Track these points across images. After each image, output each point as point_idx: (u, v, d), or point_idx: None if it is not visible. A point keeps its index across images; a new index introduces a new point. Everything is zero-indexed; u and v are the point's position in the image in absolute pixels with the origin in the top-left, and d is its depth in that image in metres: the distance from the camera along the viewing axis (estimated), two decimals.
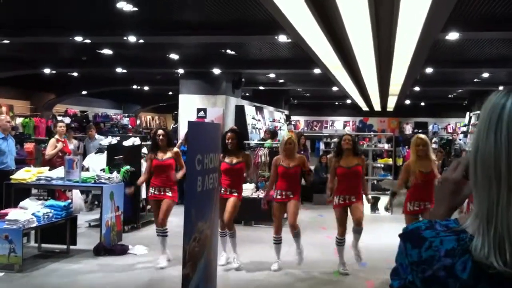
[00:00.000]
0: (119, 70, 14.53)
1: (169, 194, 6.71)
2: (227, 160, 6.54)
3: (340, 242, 6.74)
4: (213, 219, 4.33)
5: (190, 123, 3.95)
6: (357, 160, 6.69)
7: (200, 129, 4.35)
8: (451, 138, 21.00)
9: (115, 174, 8.23)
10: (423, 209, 6.21)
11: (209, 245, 4.16)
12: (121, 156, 9.03)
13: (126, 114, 22.81)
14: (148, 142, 10.81)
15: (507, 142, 1.00)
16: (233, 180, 6.64)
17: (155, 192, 6.77)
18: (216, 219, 4.69)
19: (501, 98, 1.04)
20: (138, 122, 23.81)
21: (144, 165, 9.87)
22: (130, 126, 21.00)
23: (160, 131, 7.02)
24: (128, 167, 8.78)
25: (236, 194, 6.66)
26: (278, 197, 6.70)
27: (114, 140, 10.05)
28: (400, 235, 1.17)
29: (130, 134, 13.24)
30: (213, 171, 4.20)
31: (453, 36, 8.41)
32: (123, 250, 7.28)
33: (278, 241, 6.75)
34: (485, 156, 1.02)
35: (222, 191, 6.47)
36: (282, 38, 9.13)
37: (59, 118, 16.58)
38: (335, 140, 16.34)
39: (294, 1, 5.56)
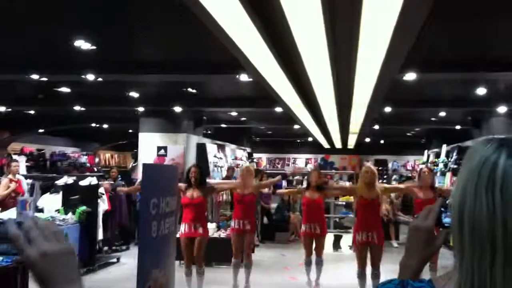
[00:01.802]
0: (77, 108, 14.24)
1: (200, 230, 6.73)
2: (188, 194, 6.64)
3: (308, 263, 7.59)
4: (169, 267, 4.13)
5: (144, 166, 3.80)
6: (319, 194, 7.52)
7: (155, 171, 4.19)
8: (410, 175, 21.32)
9: (70, 215, 7.93)
10: (371, 241, 6.58)
11: None
12: (77, 196, 8.73)
13: (84, 152, 22.31)
14: (106, 182, 10.54)
15: (502, 208, 0.86)
16: (195, 215, 6.65)
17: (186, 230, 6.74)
18: (173, 266, 4.50)
19: (492, 153, 0.91)
20: (96, 160, 23.29)
21: (100, 205, 9.60)
22: (88, 165, 20.51)
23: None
24: (84, 207, 8.50)
25: (201, 231, 6.68)
26: (236, 227, 7.10)
27: (70, 180, 9.73)
28: None
29: (87, 174, 12.88)
30: (169, 215, 4.03)
31: (410, 76, 8.60)
32: None
33: (237, 265, 7.21)
34: (475, 217, 0.89)
35: (185, 229, 6.57)
36: (244, 77, 9.14)
37: (14, 157, 16.04)
38: (298, 177, 16.35)
39: (255, 41, 5.57)
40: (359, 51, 5.83)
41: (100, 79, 9.53)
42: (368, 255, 6.79)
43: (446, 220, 1.43)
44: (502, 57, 8.11)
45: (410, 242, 1.22)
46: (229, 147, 18.47)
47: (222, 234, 9.84)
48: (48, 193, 9.87)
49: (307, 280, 7.68)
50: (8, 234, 0.97)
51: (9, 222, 0.98)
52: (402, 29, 4.98)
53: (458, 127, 16.82)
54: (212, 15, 4.67)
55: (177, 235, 7.28)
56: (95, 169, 18.85)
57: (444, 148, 16.31)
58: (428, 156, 18.82)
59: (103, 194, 9.80)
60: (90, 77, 9.17)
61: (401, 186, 7.52)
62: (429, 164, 17.46)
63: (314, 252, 7.64)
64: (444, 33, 7.02)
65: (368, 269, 6.78)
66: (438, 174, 15.85)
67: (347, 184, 15.79)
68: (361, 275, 6.74)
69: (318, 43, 5.51)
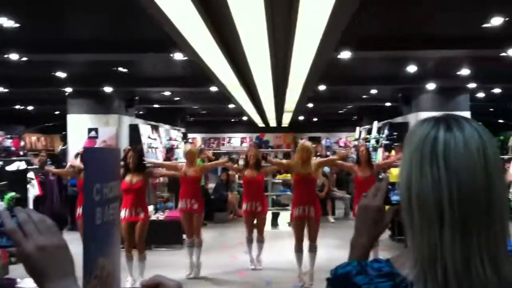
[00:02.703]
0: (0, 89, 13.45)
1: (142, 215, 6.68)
2: (127, 179, 6.55)
3: (249, 240, 7.73)
4: (114, 254, 3.97)
5: (87, 150, 3.61)
6: (259, 172, 7.67)
7: (98, 155, 3.98)
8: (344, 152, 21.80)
9: None
10: (308, 216, 6.70)
11: (111, 282, 3.81)
12: (4, 182, 8.30)
13: (9, 136, 21.17)
14: (34, 166, 10.05)
15: (447, 178, 0.92)
16: (135, 200, 6.59)
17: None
18: (118, 253, 4.35)
19: (430, 130, 0.96)
20: (22, 143, 22.19)
21: (30, 191, 9.18)
22: (13, 149, 19.49)
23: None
24: (13, 193, 8.10)
25: (142, 216, 6.65)
26: (183, 206, 7.16)
27: None
28: (328, 280, 1.04)
29: (14, 158, 12.24)
30: (113, 201, 3.86)
31: (345, 55, 8.70)
32: (10, 285, 6.60)
33: (190, 244, 7.30)
34: (422, 193, 0.93)
35: (126, 214, 6.49)
36: (178, 56, 8.91)
37: None
38: (234, 156, 16.27)
39: (190, 19, 5.40)
40: (297, 29, 5.80)
41: (24, 58, 8.98)
42: (306, 230, 6.89)
43: (394, 198, 1.47)
44: (432, 35, 8.37)
45: (360, 221, 1.23)
46: (163, 128, 18.12)
47: (161, 216, 9.69)
48: None
49: (250, 257, 7.74)
50: (3, 227, 0.97)
51: (5, 214, 0.98)
52: (339, 8, 4.98)
53: (388, 104, 17.33)
54: None
55: None
56: (21, 153, 17.95)
57: (375, 124, 16.79)
58: (360, 132, 19.32)
59: (33, 179, 9.37)
60: (14, 56, 8.64)
61: (335, 157, 7.67)
62: (361, 141, 17.93)
63: (256, 230, 7.75)
64: (376, 12, 7.11)
65: (306, 243, 6.89)
66: (370, 149, 16.32)
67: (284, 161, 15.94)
68: (298, 250, 6.87)
69: (256, 21, 5.43)
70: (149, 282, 0.93)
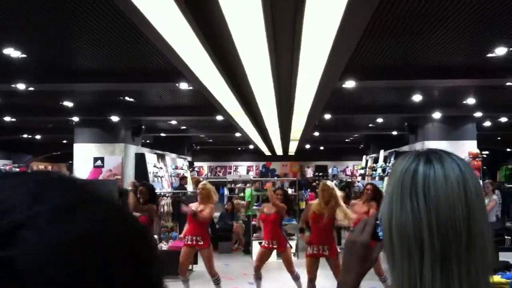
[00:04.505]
0: (7, 118, 13.56)
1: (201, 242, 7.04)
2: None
3: (258, 277, 7.39)
4: None
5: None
6: (276, 208, 7.42)
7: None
8: (350, 180, 21.72)
9: None
10: (322, 254, 6.57)
11: None
12: None
13: (16, 165, 21.29)
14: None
15: (426, 209, 0.92)
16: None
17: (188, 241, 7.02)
18: None
19: (411, 163, 0.97)
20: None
21: None
22: None
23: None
24: None
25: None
26: (189, 242, 7.05)
27: None
28: None
29: None
30: None
31: (349, 84, 8.72)
32: None
33: (186, 280, 7.21)
34: (402, 225, 0.94)
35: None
36: (184, 86, 8.97)
37: None
38: (240, 185, 16.26)
39: (195, 50, 5.44)
40: (300, 59, 5.82)
41: (31, 88, 9.07)
42: (322, 267, 6.77)
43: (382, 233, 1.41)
44: (436, 65, 8.38)
45: (347, 258, 1.21)
46: (169, 156, 18.13)
47: (164, 246, 9.60)
48: None
49: None
50: None
51: None
52: (342, 38, 5.00)
53: (394, 132, 17.29)
54: (151, 23, 4.50)
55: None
56: None
57: (382, 153, 16.71)
58: (367, 161, 19.24)
59: None
60: (21, 86, 8.73)
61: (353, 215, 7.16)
62: (367, 170, 17.82)
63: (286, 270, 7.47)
64: (380, 41, 7.15)
65: (322, 282, 6.76)
66: (377, 178, 16.21)
67: (290, 191, 15.80)
68: (310, 286, 6.69)
69: (259, 51, 5.45)
70: None
